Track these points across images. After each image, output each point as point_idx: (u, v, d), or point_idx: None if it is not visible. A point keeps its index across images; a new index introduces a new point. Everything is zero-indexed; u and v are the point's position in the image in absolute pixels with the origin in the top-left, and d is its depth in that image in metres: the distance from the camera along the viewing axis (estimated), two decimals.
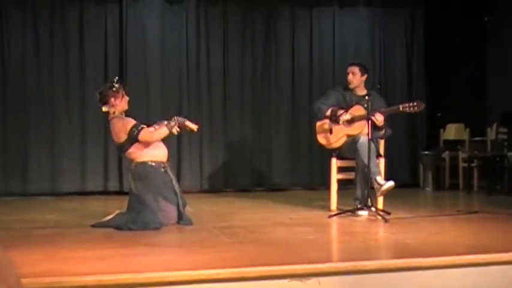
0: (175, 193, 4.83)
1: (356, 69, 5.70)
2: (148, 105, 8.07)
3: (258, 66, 8.50)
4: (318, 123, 5.77)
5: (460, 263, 3.26)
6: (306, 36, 8.66)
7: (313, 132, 5.95)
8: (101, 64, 8.03)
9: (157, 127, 4.87)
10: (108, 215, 4.84)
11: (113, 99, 4.83)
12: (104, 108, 4.86)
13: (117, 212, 4.84)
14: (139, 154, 4.78)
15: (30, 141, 7.77)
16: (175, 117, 4.93)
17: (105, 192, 7.87)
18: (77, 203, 6.92)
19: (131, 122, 4.81)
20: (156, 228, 4.52)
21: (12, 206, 6.76)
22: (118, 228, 4.55)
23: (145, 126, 4.83)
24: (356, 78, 5.69)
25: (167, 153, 4.95)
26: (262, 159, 8.47)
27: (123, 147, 4.83)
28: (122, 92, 4.88)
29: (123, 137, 4.78)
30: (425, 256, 3.31)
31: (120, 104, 4.86)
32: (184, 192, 7.93)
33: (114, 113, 4.85)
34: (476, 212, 5.63)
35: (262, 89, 8.51)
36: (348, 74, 5.75)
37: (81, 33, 7.98)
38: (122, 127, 4.78)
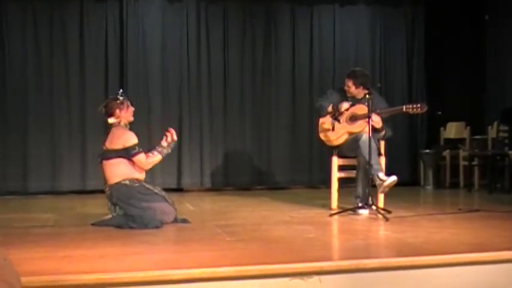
0: (157, 193, 4.83)
1: (350, 83, 5.66)
2: (149, 104, 8.07)
3: (259, 64, 8.49)
4: (321, 121, 5.76)
5: (461, 261, 3.26)
6: (306, 35, 8.65)
7: (315, 129, 5.95)
8: (102, 63, 8.02)
9: (150, 155, 4.88)
10: (108, 213, 4.84)
11: (118, 111, 4.87)
12: (110, 120, 4.90)
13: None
14: (114, 174, 4.76)
15: (30, 140, 7.76)
16: (165, 143, 4.92)
17: None
18: (77, 201, 6.92)
19: (135, 139, 4.81)
20: (157, 227, 4.51)
21: (12, 205, 6.75)
22: (118, 226, 4.55)
23: (143, 151, 4.83)
24: (351, 89, 5.68)
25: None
26: (263, 157, 8.46)
27: (107, 154, 4.81)
28: (126, 103, 4.92)
29: (117, 145, 4.76)
30: (426, 254, 3.31)
31: (125, 115, 4.90)
32: (185, 190, 8.07)
33: (119, 123, 4.88)
34: (477, 210, 5.61)
35: (263, 88, 8.50)
36: (345, 83, 5.74)
37: (81, 32, 7.97)
38: (122, 136, 4.78)
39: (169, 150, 4.98)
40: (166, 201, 4.82)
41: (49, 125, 7.83)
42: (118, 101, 4.88)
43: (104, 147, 4.87)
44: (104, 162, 4.84)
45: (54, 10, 7.90)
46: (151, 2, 8.18)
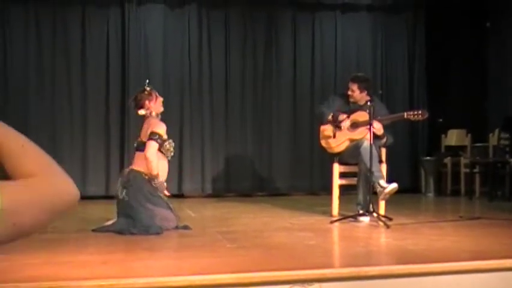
0: (162, 198, 4.82)
1: (355, 87, 5.66)
2: None
3: (260, 70, 8.51)
4: (322, 128, 5.77)
5: (462, 269, 3.25)
6: (308, 41, 8.67)
7: (316, 135, 5.96)
8: (103, 67, 8.05)
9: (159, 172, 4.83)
10: (110, 219, 4.84)
11: (147, 102, 4.90)
12: (140, 112, 4.94)
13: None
14: (141, 164, 4.77)
15: None
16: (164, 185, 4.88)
17: (107, 197, 7.84)
18: (78, 207, 6.87)
19: (163, 130, 4.81)
20: (158, 233, 4.51)
21: None
22: (119, 232, 4.54)
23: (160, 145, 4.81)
24: (355, 94, 5.67)
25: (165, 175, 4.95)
26: (264, 163, 8.47)
27: (141, 146, 4.82)
28: (154, 93, 4.95)
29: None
30: (427, 262, 3.31)
31: (155, 105, 4.93)
32: (186, 196, 8.06)
33: (150, 113, 4.91)
34: (478, 217, 5.61)
35: (264, 94, 8.51)
36: (349, 88, 5.73)
37: (83, 37, 8.00)
38: (155, 125, 4.81)
39: (156, 182, 4.78)
40: (169, 208, 4.82)
41: (50, 131, 7.83)
42: (146, 92, 4.91)
43: (139, 139, 4.90)
44: (137, 153, 4.87)
45: (57, 14, 7.94)
46: (153, 7, 8.21)
